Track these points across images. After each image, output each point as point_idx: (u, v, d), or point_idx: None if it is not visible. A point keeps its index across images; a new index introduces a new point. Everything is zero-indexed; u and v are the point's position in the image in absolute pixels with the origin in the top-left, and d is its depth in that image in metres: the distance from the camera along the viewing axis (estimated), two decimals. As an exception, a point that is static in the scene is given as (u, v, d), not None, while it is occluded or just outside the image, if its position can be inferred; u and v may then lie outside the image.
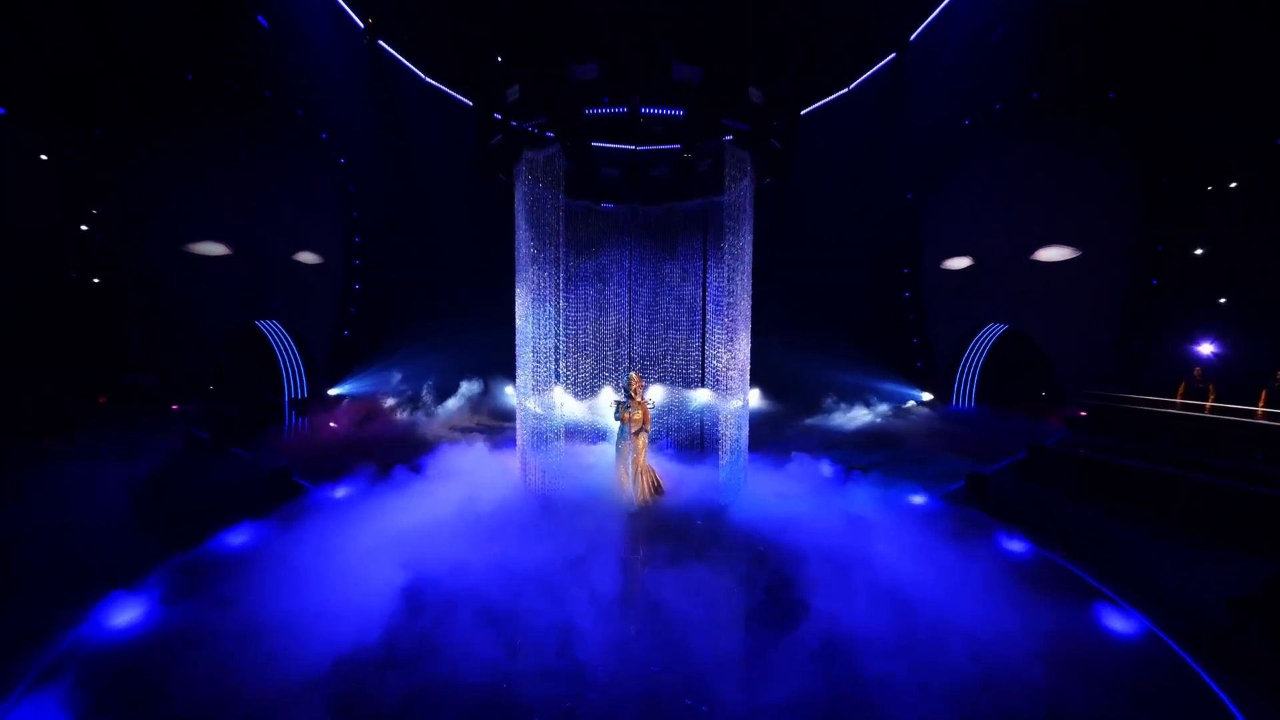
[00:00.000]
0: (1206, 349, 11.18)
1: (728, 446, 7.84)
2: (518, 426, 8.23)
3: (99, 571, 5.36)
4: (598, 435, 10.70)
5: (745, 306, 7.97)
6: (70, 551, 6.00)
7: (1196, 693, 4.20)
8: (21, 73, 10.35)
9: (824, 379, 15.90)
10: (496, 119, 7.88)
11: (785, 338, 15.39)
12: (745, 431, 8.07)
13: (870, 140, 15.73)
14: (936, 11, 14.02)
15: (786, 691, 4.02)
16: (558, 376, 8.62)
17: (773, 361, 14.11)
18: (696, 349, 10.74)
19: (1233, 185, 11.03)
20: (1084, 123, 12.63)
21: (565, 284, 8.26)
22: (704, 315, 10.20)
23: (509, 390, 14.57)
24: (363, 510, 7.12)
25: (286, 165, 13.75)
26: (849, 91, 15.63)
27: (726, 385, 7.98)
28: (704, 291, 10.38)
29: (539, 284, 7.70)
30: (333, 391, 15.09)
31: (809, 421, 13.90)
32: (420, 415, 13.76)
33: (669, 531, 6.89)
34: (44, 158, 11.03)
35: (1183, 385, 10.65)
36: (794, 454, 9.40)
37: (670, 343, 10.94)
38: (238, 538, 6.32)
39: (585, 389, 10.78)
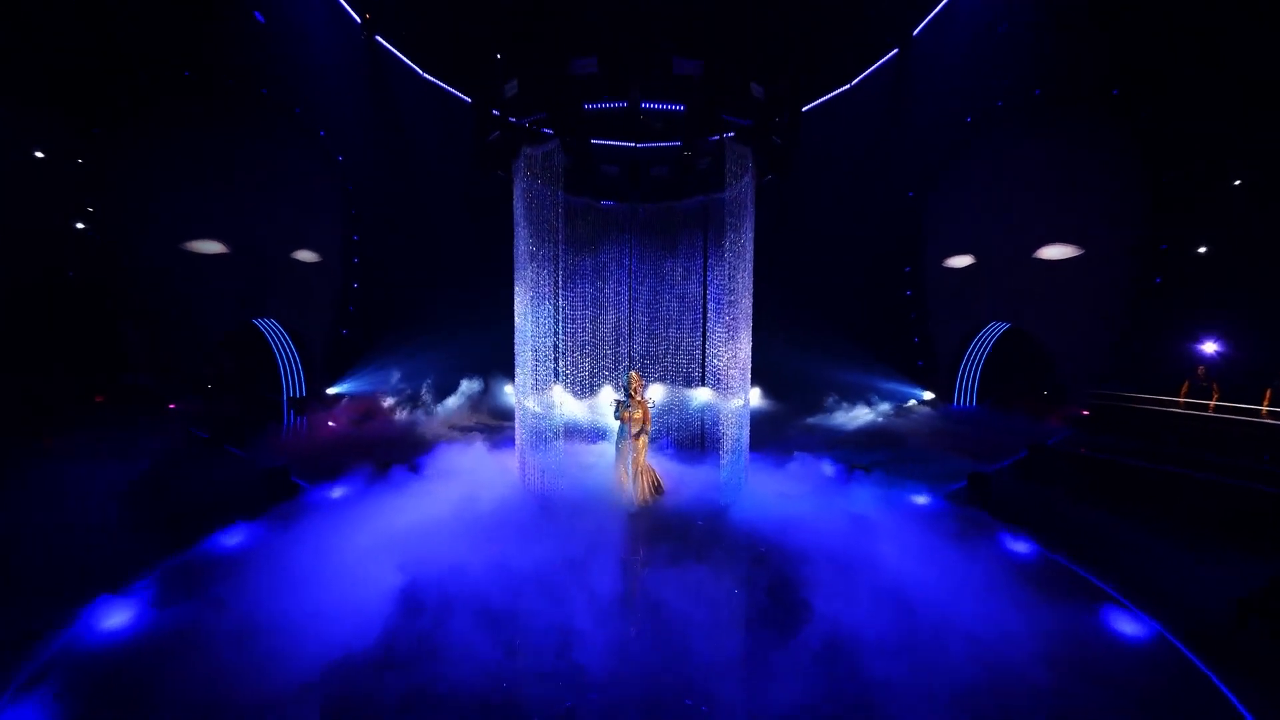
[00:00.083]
0: (1210, 348, 11.11)
1: (728, 446, 7.78)
2: (517, 426, 8.17)
3: (94, 572, 5.30)
4: (597, 435, 10.65)
5: (746, 305, 7.92)
6: (66, 551, 5.94)
7: (1203, 693, 4.15)
8: (20, 71, 10.29)
9: (825, 378, 15.86)
10: (495, 115, 7.83)
11: (786, 336, 15.36)
12: (746, 431, 8.02)
13: (872, 138, 15.70)
14: (938, 8, 13.99)
15: (788, 693, 3.98)
16: (557, 375, 8.55)
17: (774, 360, 14.10)
18: (697, 347, 10.70)
19: (1236, 183, 10.97)
20: (1086, 121, 12.54)
21: (565, 282, 8.18)
22: (704, 313, 10.16)
23: (508, 389, 14.52)
24: (360, 510, 7.07)
25: (285, 163, 13.68)
26: (850, 88, 15.59)
27: (727, 384, 7.93)
28: (704, 289, 10.33)
29: (538, 282, 7.64)
30: (331, 390, 15.05)
31: (810, 421, 13.85)
32: (419, 414, 13.70)
33: (669, 532, 6.85)
34: (41, 156, 10.97)
35: (1186, 384, 10.62)
36: (795, 453, 9.37)
37: (670, 341, 10.89)
38: (233, 538, 6.26)
39: (585, 388, 10.73)
